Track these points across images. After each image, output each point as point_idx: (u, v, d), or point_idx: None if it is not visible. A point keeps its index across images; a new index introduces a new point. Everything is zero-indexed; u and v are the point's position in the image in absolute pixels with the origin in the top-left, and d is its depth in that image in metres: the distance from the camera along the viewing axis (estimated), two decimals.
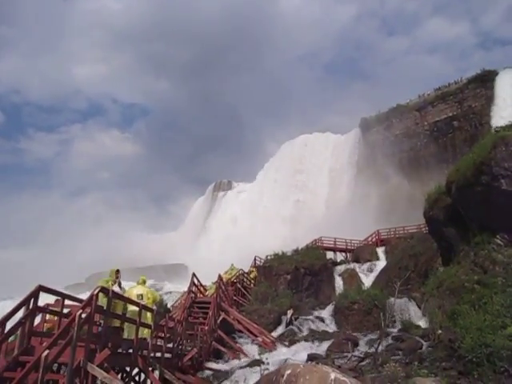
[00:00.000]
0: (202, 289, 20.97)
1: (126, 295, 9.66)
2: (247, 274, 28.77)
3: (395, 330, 16.93)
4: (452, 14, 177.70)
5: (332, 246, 36.86)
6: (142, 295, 9.99)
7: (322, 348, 15.72)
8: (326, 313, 22.00)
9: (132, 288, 10.36)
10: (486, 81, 53.65)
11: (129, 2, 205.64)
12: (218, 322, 17.75)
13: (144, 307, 9.51)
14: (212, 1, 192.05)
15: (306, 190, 66.84)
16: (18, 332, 7.57)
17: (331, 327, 20.08)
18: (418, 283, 22.27)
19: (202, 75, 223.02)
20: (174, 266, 69.82)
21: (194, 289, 19.87)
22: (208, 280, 22.57)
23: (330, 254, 35.30)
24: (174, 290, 34.85)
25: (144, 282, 10.60)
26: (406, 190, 52.40)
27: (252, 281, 28.40)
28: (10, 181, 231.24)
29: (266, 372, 7.98)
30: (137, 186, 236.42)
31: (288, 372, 5.16)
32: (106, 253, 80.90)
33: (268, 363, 9.25)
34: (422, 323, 17.17)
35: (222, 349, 15.89)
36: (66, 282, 58.47)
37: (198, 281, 20.55)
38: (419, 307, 18.75)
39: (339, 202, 58.32)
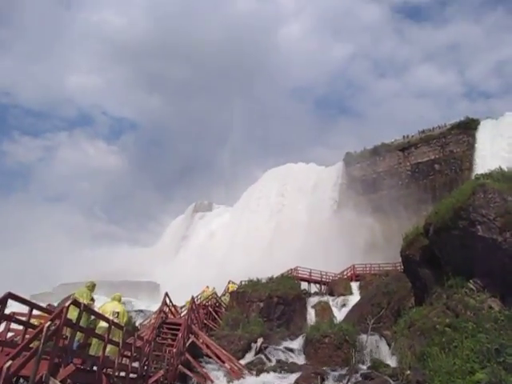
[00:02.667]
0: (173, 309, 20.59)
1: (99, 310, 9.42)
2: (220, 298, 28.46)
3: (364, 368, 16.82)
4: (441, 63, 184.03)
5: (307, 276, 36.81)
6: (118, 313, 9.85)
7: (289, 380, 15.43)
8: (296, 344, 21.70)
9: (107, 304, 10.14)
10: (468, 128, 55.54)
11: (131, 18, 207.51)
12: (187, 345, 17.37)
13: (114, 324, 9.25)
14: (213, 26, 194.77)
15: (286, 219, 66.90)
16: None
17: (300, 359, 19.78)
18: (389, 321, 22.29)
19: (193, 96, 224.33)
20: (146, 284, 68.52)
21: (165, 309, 19.49)
22: (179, 300, 22.22)
23: (304, 285, 35.24)
24: (145, 309, 34.16)
25: (120, 299, 10.44)
26: (385, 227, 53.05)
27: (224, 305, 28.06)
28: None
29: None
30: (117, 199, 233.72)
31: None
32: (77, 264, 79.14)
33: None
34: (392, 362, 17.09)
35: (189, 373, 15.49)
36: (32, 291, 56.75)
37: (170, 301, 20.19)
38: (389, 346, 18.71)
39: (318, 233, 58.47)
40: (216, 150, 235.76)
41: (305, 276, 36.61)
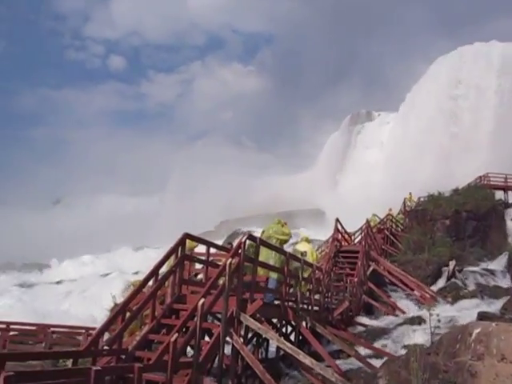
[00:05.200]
0: (346, 236, 21.17)
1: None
2: (395, 219, 28.24)
3: None
4: None
5: (502, 184, 34.22)
6: (305, 252, 11.54)
7: (495, 306, 15.05)
8: (497, 265, 20.98)
9: (296, 244, 12.13)
10: None
11: None
12: (368, 273, 17.91)
13: (305, 263, 10.79)
14: None
15: (465, 116, 61.85)
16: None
17: (504, 282, 19.08)
18: None
19: None
20: (308, 212, 71.18)
21: (338, 236, 20.13)
22: (348, 226, 22.64)
23: (499, 195, 32.93)
24: (312, 238, 35.79)
25: (307, 240, 12.35)
26: None
27: (401, 227, 27.89)
28: (134, 127, 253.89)
29: (437, 331, 7.89)
30: (263, 124, 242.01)
31: (477, 331, 5.03)
32: (234, 198, 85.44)
33: (439, 320, 9.10)
34: None
35: (374, 303, 16.08)
36: (196, 230, 63.25)
37: (342, 227, 20.73)
38: None
39: (508, 131, 53.17)
40: (367, 48, 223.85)
41: (499, 183, 34.09)
